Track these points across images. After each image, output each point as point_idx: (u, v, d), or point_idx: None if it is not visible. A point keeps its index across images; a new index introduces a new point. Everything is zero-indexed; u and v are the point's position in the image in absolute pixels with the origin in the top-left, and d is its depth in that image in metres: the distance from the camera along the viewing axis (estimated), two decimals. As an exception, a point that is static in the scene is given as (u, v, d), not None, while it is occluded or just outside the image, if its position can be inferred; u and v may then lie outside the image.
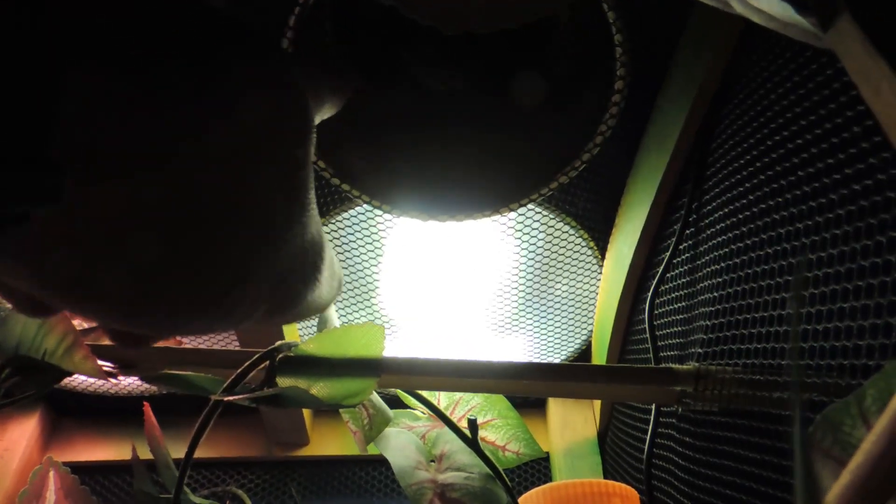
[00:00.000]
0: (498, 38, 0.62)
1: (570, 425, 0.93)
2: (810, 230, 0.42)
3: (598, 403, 0.91)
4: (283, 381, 0.52)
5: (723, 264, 0.52)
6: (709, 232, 0.56)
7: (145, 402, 0.80)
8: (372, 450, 0.95)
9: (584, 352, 0.91)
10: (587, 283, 0.82)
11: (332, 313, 0.65)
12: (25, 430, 0.92)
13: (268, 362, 0.52)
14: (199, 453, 0.95)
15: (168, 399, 0.94)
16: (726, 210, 0.53)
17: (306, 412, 0.93)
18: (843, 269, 0.39)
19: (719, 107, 0.56)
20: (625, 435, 0.79)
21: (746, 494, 0.48)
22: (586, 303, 0.85)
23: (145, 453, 0.78)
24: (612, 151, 0.67)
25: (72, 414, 0.97)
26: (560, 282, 0.84)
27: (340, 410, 0.61)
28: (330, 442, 0.96)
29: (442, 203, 0.67)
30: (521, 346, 0.91)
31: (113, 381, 0.48)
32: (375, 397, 0.64)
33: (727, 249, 0.52)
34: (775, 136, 0.48)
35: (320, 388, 0.51)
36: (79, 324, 0.50)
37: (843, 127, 0.40)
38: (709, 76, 0.55)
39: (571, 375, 0.56)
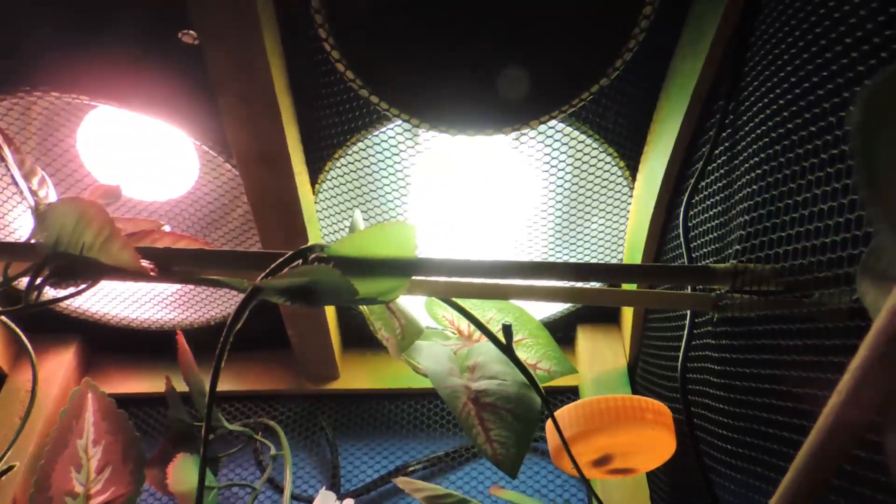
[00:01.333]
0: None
1: (599, 356, 0.92)
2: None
3: (627, 334, 0.90)
4: (317, 280, 0.51)
5: (764, 165, 0.51)
6: (747, 129, 0.54)
7: (179, 332, 0.82)
8: (400, 383, 0.96)
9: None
10: (618, 206, 0.81)
11: (360, 221, 0.65)
12: (63, 361, 0.93)
13: (300, 261, 0.52)
14: (231, 386, 0.97)
15: (202, 333, 0.95)
16: (767, 108, 0.52)
17: (336, 344, 0.94)
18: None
19: (754, 8, 0.54)
20: (656, 359, 0.78)
21: (786, 402, 0.47)
22: (617, 226, 0.84)
23: (180, 386, 0.79)
24: (643, 65, 0.66)
25: (106, 348, 0.98)
26: (591, 207, 0.83)
27: (372, 320, 0.61)
28: (359, 376, 0.97)
29: (472, 117, 0.66)
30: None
31: (151, 277, 0.49)
32: (407, 310, 0.64)
33: (769, 148, 0.50)
34: (816, 29, 0.46)
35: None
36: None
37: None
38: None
39: (610, 274, 0.55)
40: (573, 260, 0.89)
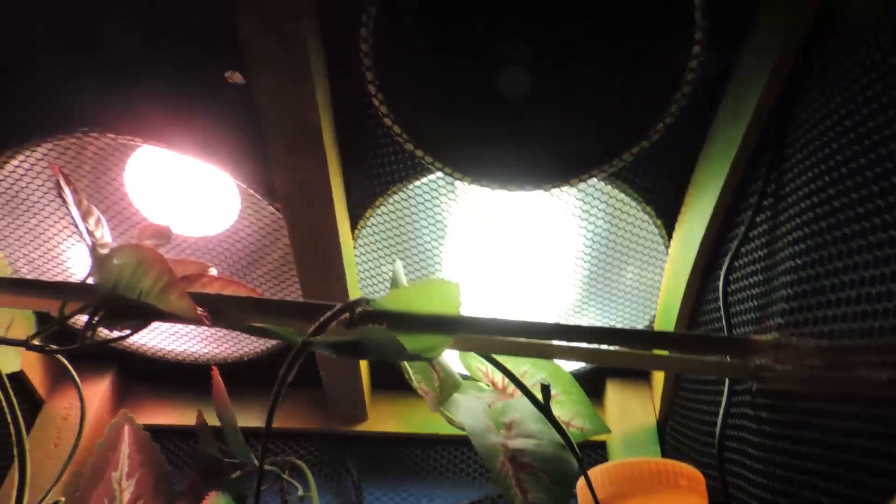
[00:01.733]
0: (576, 8, 0.62)
1: (629, 413, 0.92)
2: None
3: (658, 391, 0.90)
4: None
5: (807, 229, 0.51)
6: (790, 201, 0.55)
7: (214, 367, 0.83)
8: (429, 428, 0.96)
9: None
10: (652, 264, 0.82)
11: (401, 272, 0.66)
12: (98, 391, 0.95)
13: (347, 315, 0.53)
14: (260, 422, 0.97)
15: (235, 368, 0.96)
16: (810, 181, 0.53)
17: (366, 386, 0.94)
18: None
19: (803, 71, 0.55)
20: (689, 421, 0.78)
21: (831, 482, 0.47)
22: (651, 285, 0.84)
23: (211, 420, 0.80)
24: (683, 128, 0.67)
25: (141, 378, 1.00)
26: (625, 263, 0.83)
27: (412, 373, 0.62)
28: (388, 419, 0.97)
29: (513, 174, 0.67)
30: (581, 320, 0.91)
31: (204, 323, 0.50)
32: (446, 363, 0.65)
33: (812, 212, 0.51)
34: (863, 111, 0.47)
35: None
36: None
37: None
38: (790, 40, 0.54)
39: (650, 342, 0.55)
40: (604, 313, 0.89)
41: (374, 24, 0.56)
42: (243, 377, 0.95)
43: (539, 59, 0.63)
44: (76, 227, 0.60)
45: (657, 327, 0.84)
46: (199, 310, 0.50)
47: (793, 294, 0.53)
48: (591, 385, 0.95)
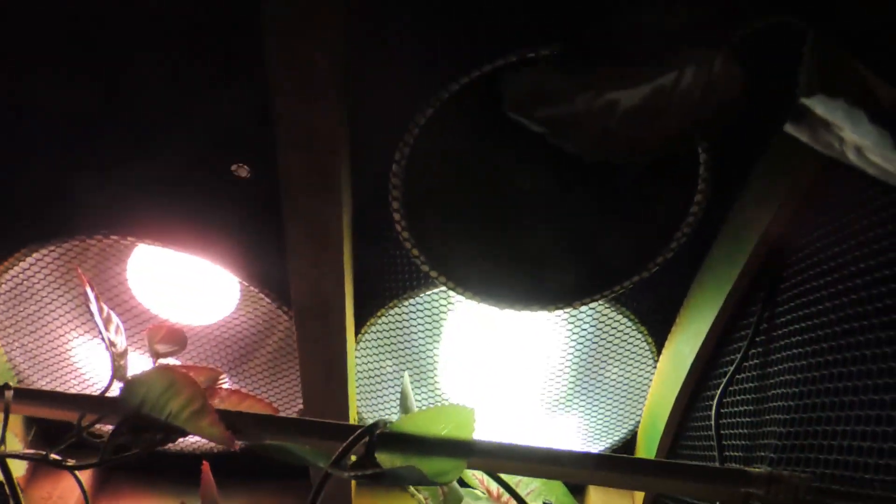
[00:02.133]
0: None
1: (611, 514, 0.94)
2: (893, 344, 0.46)
3: (639, 497, 0.93)
4: (381, 456, 0.54)
5: (799, 374, 0.56)
6: (783, 341, 0.60)
7: (204, 462, 0.83)
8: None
9: (628, 442, 0.94)
10: (639, 375, 0.86)
11: (409, 388, 0.69)
12: (74, 487, 0.93)
13: (367, 437, 0.55)
14: (244, 516, 0.97)
15: (218, 458, 0.96)
16: (804, 321, 0.57)
17: (352, 483, 0.95)
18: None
19: (799, 222, 0.61)
20: (673, 529, 0.80)
21: None
22: (636, 394, 0.88)
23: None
24: (679, 259, 0.72)
25: (122, 467, 0.98)
26: (612, 371, 0.87)
27: (420, 488, 0.63)
28: (375, 514, 0.97)
29: (521, 296, 0.71)
30: (571, 428, 0.94)
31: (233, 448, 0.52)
32: (450, 476, 0.67)
33: (805, 360, 0.56)
34: (860, 253, 0.52)
35: (415, 465, 0.54)
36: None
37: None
38: (791, 192, 0.60)
39: (646, 470, 0.58)
40: (588, 415, 0.93)
41: (406, 162, 0.60)
42: (228, 468, 0.94)
43: (550, 193, 0.68)
44: (100, 335, 0.61)
45: (641, 435, 0.88)
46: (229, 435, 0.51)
47: (784, 432, 0.57)
48: (574, 485, 0.97)
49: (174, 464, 0.97)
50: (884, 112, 0.34)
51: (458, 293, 0.70)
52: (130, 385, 0.54)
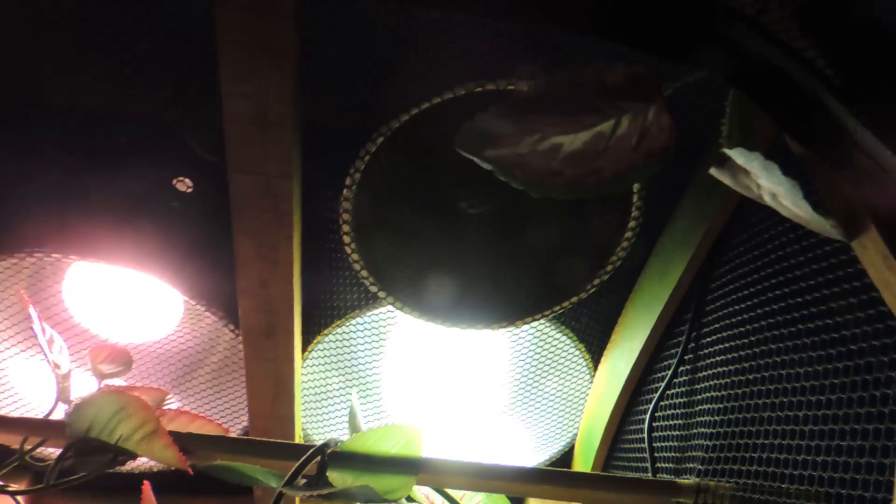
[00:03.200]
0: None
1: (549, 523, 0.98)
2: (805, 365, 0.51)
3: (577, 504, 0.97)
4: (332, 475, 0.56)
5: (723, 391, 0.60)
6: (709, 360, 0.64)
7: (145, 481, 0.82)
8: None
9: (566, 455, 0.97)
10: (577, 389, 0.90)
11: (357, 406, 0.71)
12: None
13: (319, 457, 0.56)
14: (186, 535, 0.96)
15: (159, 476, 0.95)
16: (727, 341, 0.62)
17: (297, 499, 0.95)
18: (830, 405, 0.47)
19: (721, 250, 0.65)
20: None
21: None
22: (575, 408, 0.92)
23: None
24: (614, 279, 0.76)
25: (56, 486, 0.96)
26: (551, 385, 0.91)
27: (369, 504, 0.65)
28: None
29: (467, 316, 0.74)
30: (513, 440, 0.97)
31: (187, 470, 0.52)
32: (397, 492, 0.69)
33: (728, 378, 0.60)
34: (775, 281, 0.57)
35: (364, 483, 0.56)
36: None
37: (840, 282, 0.49)
38: (714, 223, 0.64)
39: (584, 483, 0.62)
40: (529, 434, 0.96)
41: (356, 189, 0.62)
42: (168, 487, 0.94)
43: (494, 217, 0.71)
44: (44, 356, 0.60)
45: (578, 448, 0.92)
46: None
47: (711, 445, 0.61)
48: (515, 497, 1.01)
49: (113, 484, 0.96)
50: (794, 165, 0.38)
51: (405, 312, 0.72)
52: (78, 409, 0.54)
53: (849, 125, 0.30)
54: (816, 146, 0.33)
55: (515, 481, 0.61)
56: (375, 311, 0.81)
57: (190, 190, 0.81)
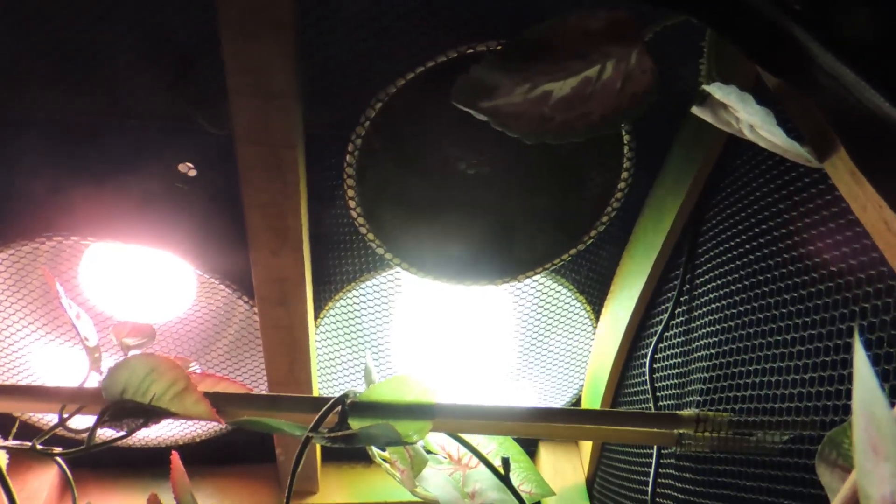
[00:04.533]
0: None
1: (561, 472, 1.02)
2: (795, 299, 0.54)
3: (586, 452, 1.00)
4: (353, 422, 0.60)
5: (718, 326, 0.64)
6: (703, 299, 0.68)
7: (173, 451, 0.86)
8: (378, 496, 1.02)
9: (574, 404, 1.01)
10: (581, 342, 0.93)
11: (372, 364, 0.74)
12: (45, 481, 0.95)
13: (340, 406, 0.60)
14: (212, 501, 1.00)
15: (185, 448, 0.99)
16: (719, 280, 0.65)
17: (318, 461, 0.99)
18: (819, 336, 0.51)
19: (710, 195, 0.68)
20: (616, 479, 0.88)
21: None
22: (578, 361, 0.95)
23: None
24: (610, 231, 0.79)
25: (86, 464, 1.00)
26: (555, 340, 0.94)
27: (389, 452, 0.69)
28: (338, 490, 1.02)
29: (471, 273, 0.77)
30: (520, 396, 1.01)
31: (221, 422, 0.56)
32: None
33: (722, 313, 0.63)
34: (761, 217, 0.60)
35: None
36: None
37: (820, 211, 0.52)
38: (702, 169, 0.67)
39: (591, 419, 0.65)
40: (538, 381, 1.00)
41: (359, 153, 0.65)
42: (193, 458, 0.97)
43: (492, 176, 0.74)
44: (75, 330, 0.64)
45: (585, 396, 0.95)
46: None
47: (708, 377, 0.65)
48: (525, 447, 1.04)
49: (139, 459, 1.00)
50: (768, 95, 0.41)
51: (412, 273, 0.76)
52: (112, 373, 0.57)
53: (812, 49, 0.33)
54: (785, 73, 0.36)
55: (527, 421, 0.64)
56: (382, 275, 0.84)
57: (194, 174, 0.84)
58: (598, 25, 0.43)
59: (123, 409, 0.58)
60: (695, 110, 0.46)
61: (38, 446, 0.59)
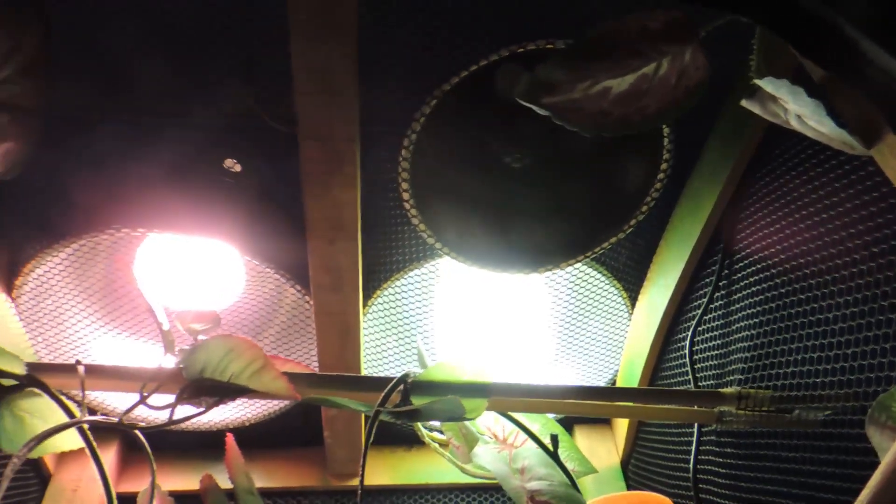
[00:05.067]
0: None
1: (595, 454, 1.05)
2: (835, 281, 0.58)
3: (621, 434, 1.04)
4: (414, 401, 0.64)
5: (758, 308, 0.67)
6: (743, 283, 0.71)
7: (228, 433, 0.90)
8: (417, 479, 1.06)
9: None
10: (616, 328, 0.97)
11: (422, 345, 0.78)
12: (105, 461, 0.99)
13: (402, 385, 0.64)
14: (263, 483, 1.05)
15: (236, 432, 1.03)
16: (758, 267, 0.69)
17: (362, 445, 1.03)
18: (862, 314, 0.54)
19: (748, 184, 0.72)
20: (653, 458, 0.92)
21: (789, 498, 0.62)
22: (614, 344, 0.99)
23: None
24: (648, 219, 0.82)
25: (139, 449, 1.04)
26: (591, 326, 0.98)
27: (445, 431, 0.73)
28: (380, 472, 1.06)
29: (515, 262, 0.81)
30: (558, 379, 1.04)
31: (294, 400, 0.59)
32: (466, 422, 0.76)
33: (762, 296, 0.67)
34: (801, 204, 0.63)
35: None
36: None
37: (860, 195, 0.55)
38: (740, 159, 0.71)
39: (639, 397, 0.69)
40: (575, 366, 1.03)
41: (414, 147, 0.68)
42: (243, 443, 1.02)
43: (536, 169, 0.78)
44: (154, 315, 0.68)
45: (620, 381, 0.99)
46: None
47: (749, 357, 0.68)
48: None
49: (191, 442, 1.04)
50: (816, 88, 0.44)
51: (459, 262, 0.79)
52: (191, 353, 0.61)
53: (861, 44, 0.36)
54: (834, 66, 0.39)
55: (578, 398, 0.68)
56: (423, 267, 0.88)
57: (240, 170, 0.88)
58: (656, 25, 0.46)
59: (202, 387, 0.62)
60: (744, 103, 0.50)
61: (124, 420, 0.63)
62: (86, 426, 0.64)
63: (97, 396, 1.00)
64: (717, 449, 0.73)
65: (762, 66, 0.47)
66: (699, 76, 0.48)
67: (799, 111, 0.45)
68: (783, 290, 0.65)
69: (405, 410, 0.60)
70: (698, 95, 0.49)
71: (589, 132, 0.51)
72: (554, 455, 0.72)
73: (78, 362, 0.64)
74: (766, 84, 0.45)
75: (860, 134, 0.43)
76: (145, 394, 0.65)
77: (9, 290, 0.86)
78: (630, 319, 0.94)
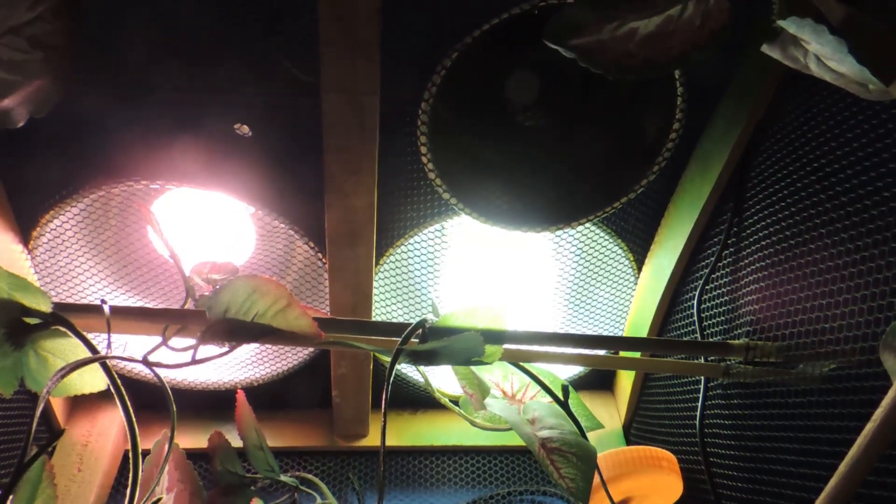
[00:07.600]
0: (581, 89, 0.79)
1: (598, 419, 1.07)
2: (845, 238, 0.59)
3: (623, 399, 1.06)
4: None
5: (766, 261, 0.69)
6: (751, 240, 0.73)
7: (239, 390, 0.92)
8: (423, 441, 1.08)
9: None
10: (622, 291, 0.98)
11: (436, 300, 0.79)
12: (115, 420, 1.00)
13: (420, 330, 0.65)
14: (270, 442, 1.06)
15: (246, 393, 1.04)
16: (768, 222, 0.70)
17: (370, 406, 1.05)
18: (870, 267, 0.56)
19: (758, 142, 0.73)
20: (657, 418, 0.94)
21: (795, 453, 0.64)
22: (619, 306, 1.00)
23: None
24: (657, 180, 0.84)
25: (150, 406, 1.06)
26: (598, 289, 1.00)
27: (458, 379, 0.74)
28: (387, 434, 1.07)
29: (527, 219, 0.82)
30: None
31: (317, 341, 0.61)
32: (478, 373, 0.78)
33: (772, 255, 0.69)
34: (813, 163, 0.65)
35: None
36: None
37: (873, 143, 0.56)
38: (750, 119, 0.72)
39: (648, 346, 0.71)
40: (582, 328, 1.05)
41: (433, 101, 0.70)
42: (251, 402, 1.03)
43: (549, 129, 0.79)
44: (174, 261, 0.69)
45: (626, 344, 1.00)
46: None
47: (757, 309, 0.70)
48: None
49: (200, 402, 1.05)
50: (835, 33, 0.46)
51: (473, 218, 0.81)
52: (216, 294, 0.62)
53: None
54: (857, 1, 0.41)
55: (592, 346, 0.70)
56: (431, 228, 0.89)
57: (249, 135, 0.89)
58: (683, -34, 0.48)
59: (226, 327, 0.63)
60: (765, 49, 0.51)
61: (148, 359, 0.64)
62: (109, 363, 0.65)
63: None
64: (723, 409, 0.75)
65: (783, 9, 0.49)
66: (723, 19, 0.50)
67: (820, 51, 0.47)
68: (794, 242, 0.66)
69: (424, 350, 0.62)
70: (721, 40, 0.51)
71: (613, 74, 0.53)
72: (564, 405, 0.74)
73: (103, 301, 0.65)
74: (790, 24, 0.47)
75: (879, 72, 0.45)
76: (168, 335, 0.66)
77: (26, 241, 0.87)
78: (636, 283, 0.96)
